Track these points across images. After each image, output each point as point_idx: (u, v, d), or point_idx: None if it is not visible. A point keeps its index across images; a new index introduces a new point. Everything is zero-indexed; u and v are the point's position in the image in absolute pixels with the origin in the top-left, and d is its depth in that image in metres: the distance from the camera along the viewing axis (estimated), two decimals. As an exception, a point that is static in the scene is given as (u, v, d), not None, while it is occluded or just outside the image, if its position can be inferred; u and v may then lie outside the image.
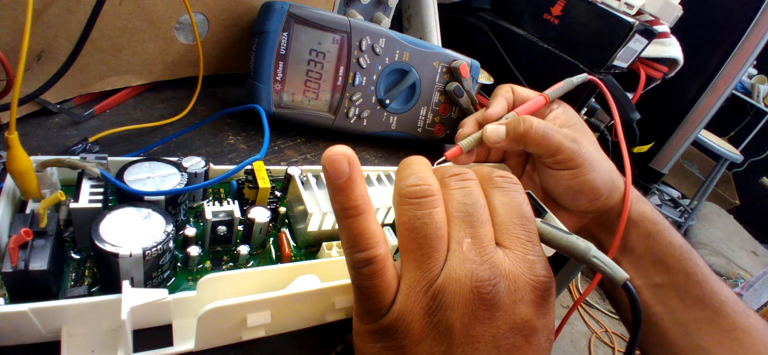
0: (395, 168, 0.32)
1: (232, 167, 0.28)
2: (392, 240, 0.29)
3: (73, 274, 0.23)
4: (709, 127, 1.86)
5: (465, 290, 0.18)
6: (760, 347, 0.30)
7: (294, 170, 0.32)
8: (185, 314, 0.23)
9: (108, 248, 0.21)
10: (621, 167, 0.36)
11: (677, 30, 0.67)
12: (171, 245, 0.23)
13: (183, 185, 0.26)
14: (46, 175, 0.25)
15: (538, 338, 0.19)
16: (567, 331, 1.76)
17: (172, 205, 0.26)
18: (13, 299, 0.20)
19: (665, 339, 0.33)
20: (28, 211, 0.24)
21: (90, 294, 0.22)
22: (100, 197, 0.24)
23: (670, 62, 0.71)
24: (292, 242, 0.30)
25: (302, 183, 0.30)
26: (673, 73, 0.73)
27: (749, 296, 1.33)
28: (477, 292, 0.18)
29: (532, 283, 0.19)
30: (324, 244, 0.29)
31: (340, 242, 0.29)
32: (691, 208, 2.29)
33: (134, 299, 0.20)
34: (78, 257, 0.24)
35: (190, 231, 0.26)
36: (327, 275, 0.26)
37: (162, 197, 0.25)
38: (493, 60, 0.63)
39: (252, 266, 0.28)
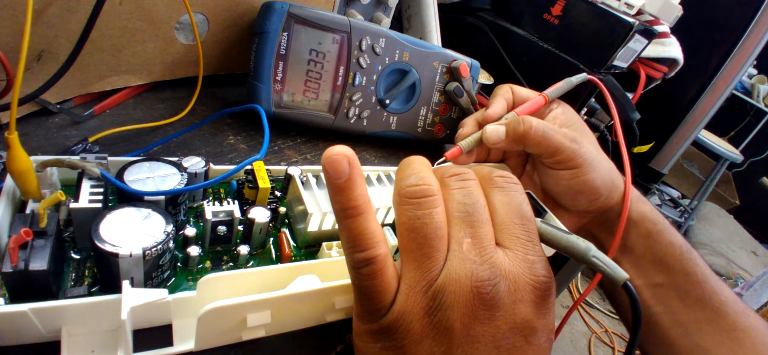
0: (395, 168, 0.32)
1: (232, 167, 0.28)
2: (392, 240, 0.29)
3: (73, 274, 0.23)
4: (709, 127, 1.86)
5: (465, 290, 0.18)
6: (760, 347, 0.30)
7: (294, 170, 0.32)
8: (185, 314, 0.23)
9: (108, 248, 0.21)
10: (621, 167, 0.36)
11: (677, 30, 0.67)
12: (171, 245, 0.23)
13: (183, 185, 0.26)
14: (46, 175, 0.25)
15: (538, 338, 0.19)
16: (567, 331, 1.76)
17: (172, 205, 0.26)
18: (13, 299, 0.20)
19: (665, 339, 0.33)
20: (28, 211, 0.24)
21: (90, 294, 0.22)
22: (100, 197, 0.24)
23: (670, 62, 0.71)
24: (292, 242, 0.30)
25: (302, 183, 0.30)
26: (673, 73, 0.73)
27: (749, 296, 1.33)
28: (477, 292, 0.18)
29: (532, 283, 0.19)
30: (324, 244, 0.29)
31: (340, 242, 0.29)
32: (691, 208, 2.29)
33: (134, 299, 0.20)
34: (78, 257, 0.24)
35: (190, 231, 0.26)
36: (327, 275, 0.26)
37: (162, 197, 0.25)
38: (493, 60, 0.63)
39: (252, 266, 0.28)
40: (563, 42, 0.59)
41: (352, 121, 0.43)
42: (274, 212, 0.30)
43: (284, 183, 0.33)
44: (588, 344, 1.74)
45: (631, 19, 0.53)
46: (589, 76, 0.40)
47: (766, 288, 1.33)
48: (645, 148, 1.30)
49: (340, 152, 0.18)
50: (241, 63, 0.46)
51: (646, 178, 1.38)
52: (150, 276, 0.23)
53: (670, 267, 0.33)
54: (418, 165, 0.21)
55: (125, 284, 0.20)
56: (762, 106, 2.51)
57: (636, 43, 0.56)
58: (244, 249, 0.27)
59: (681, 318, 0.33)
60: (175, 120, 0.37)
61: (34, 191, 0.24)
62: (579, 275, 1.91)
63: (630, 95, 0.68)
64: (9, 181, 0.24)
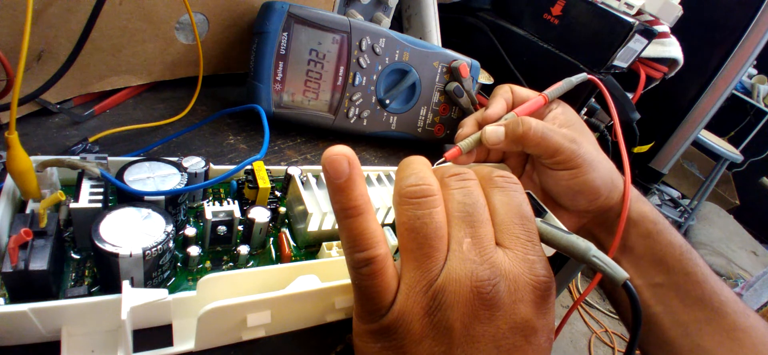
0: (395, 168, 0.32)
1: (232, 167, 0.28)
2: (392, 240, 0.29)
3: (73, 274, 0.23)
4: (709, 127, 1.86)
5: (465, 290, 0.18)
6: (760, 347, 0.30)
7: (294, 170, 0.32)
8: (185, 314, 0.23)
9: (108, 248, 0.21)
10: (621, 167, 0.36)
11: (677, 30, 0.67)
12: (171, 245, 0.23)
13: (183, 185, 0.26)
14: (46, 175, 0.25)
15: (538, 338, 0.19)
16: (567, 331, 1.76)
17: (172, 205, 0.26)
18: (13, 299, 0.20)
19: (665, 339, 0.33)
20: (28, 211, 0.24)
21: (90, 294, 0.22)
22: (100, 197, 0.24)
23: (670, 62, 0.71)
24: (292, 242, 0.30)
25: (302, 183, 0.30)
26: (673, 73, 0.73)
27: (749, 296, 1.33)
28: (477, 292, 0.18)
29: (532, 283, 0.19)
30: (324, 244, 0.29)
31: (340, 242, 0.29)
32: (691, 208, 2.29)
33: (134, 299, 0.20)
34: (78, 257, 0.24)
35: (190, 231, 0.26)
36: (327, 275, 0.26)
37: (162, 197, 0.25)
38: (493, 60, 0.63)
39: (252, 266, 0.28)
40: (563, 42, 0.59)
41: (352, 121, 0.43)
42: (274, 212, 0.30)
43: (284, 183, 0.33)
44: (588, 344, 1.74)
45: (631, 19, 0.53)
46: (589, 76, 0.40)
47: (766, 288, 1.33)
48: (645, 148, 1.30)
49: (340, 152, 0.18)
50: (241, 63, 0.46)
51: (646, 178, 1.38)
52: (150, 276, 0.23)
53: (670, 267, 0.33)
54: (418, 165, 0.21)
55: (125, 284, 0.20)
56: (762, 106, 2.51)
57: (636, 43, 0.56)
58: (244, 249, 0.27)
59: (681, 318, 0.33)
60: (175, 120, 0.37)
61: (34, 191, 0.24)
62: (579, 275, 1.91)
63: (630, 95, 0.68)
64: (9, 181, 0.24)
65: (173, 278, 0.25)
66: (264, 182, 0.29)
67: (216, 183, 0.28)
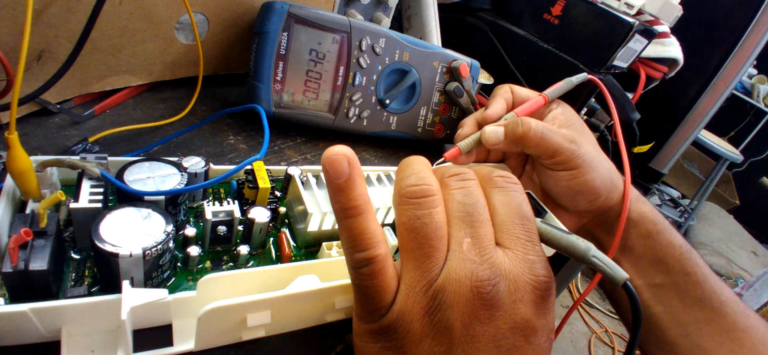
0: (395, 168, 0.32)
1: (232, 167, 0.28)
2: (392, 240, 0.29)
3: (73, 274, 0.23)
4: (709, 127, 1.86)
5: (465, 290, 0.18)
6: (760, 347, 0.30)
7: (294, 170, 0.32)
8: (185, 314, 0.23)
9: (108, 248, 0.21)
10: (621, 167, 0.36)
11: (677, 30, 0.67)
12: (171, 245, 0.23)
13: (183, 185, 0.26)
14: (46, 175, 0.25)
15: (538, 338, 0.19)
16: (567, 331, 1.76)
17: (172, 205, 0.26)
18: (13, 299, 0.20)
19: (665, 339, 0.33)
20: (28, 211, 0.24)
21: (90, 294, 0.22)
22: (100, 197, 0.24)
23: (670, 62, 0.71)
24: (292, 242, 0.30)
25: (302, 183, 0.30)
26: (673, 73, 0.73)
27: (749, 296, 1.33)
28: (477, 292, 0.18)
29: (532, 283, 0.19)
30: (324, 244, 0.29)
31: (340, 242, 0.29)
32: (691, 208, 2.29)
33: (134, 299, 0.20)
34: (78, 257, 0.24)
35: (190, 231, 0.26)
36: (327, 275, 0.26)
37: (162, 197, 0.25)
38: (493, 60, 0.63)
39: (252, 266, 0.28)
40: (563, 42, 0.59)
41: (352, 121, 0.43)
42: (274, 212, 0.30)
43: (284, 183, 0.33)
44: (588, 344, 1.74)
45: (631, 19, 0.53)
46: (589, 76, 0.40)
47: (766, 288, 1.33)
48: (645, 148, 1.30)
49: (340, 152, 0.18)
50: (241, 63, 0.46)
51: (646, 178, 1.38)
52: (150, 276, 0.23)
53: (670, 267, 0.33)
54: (418, 165, 0.21)
55: (125, 284, 0.20)
56: (762, 106, 2.51)
57: (636, 43, 0.56)
58: (244, 249, 0.27)
59: (681, 318, 0.33)
60: (175, 120, 0.37)
61: (34, 191, 0.24)
62: (579, 275, 1.91)
63: (630, 95, 0.68)
64: (9, 181, 0.24)
65: (173, 278, 0.25)
66: (264, 182, 0.29)
67: (216, 183, 0.28)
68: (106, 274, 0.22)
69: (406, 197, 0.20)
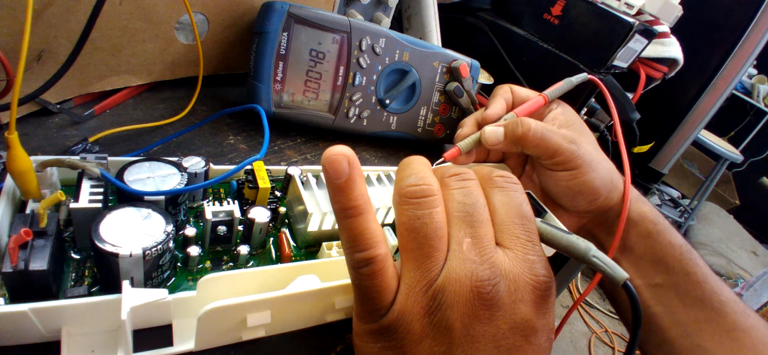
0: (395, 168, 0.32)
1: (232, 167, 0.28)
2: (392, 240, 0.29)
3: (73, 274, 0.23)
4: (709, 127, 1.86)
5: (465, 290, 0.18)
6: (760, 347, 0.30)
7: (294, 170, 0.32)
8: (185, 314, 0.23)
9: (108, 248, 0.21)
10: (621, 167, 0.36)
11: (677, 30, 0.67)
12: (171, 245, 0.23)
13: (183, 185, 0.26)
14: (46, 175, 0.25)
15: (538, 338, 0.19)
16: (567, 331, 1.76)
17: (172, 205, 0.26)
18: (13, 299, 0.20)
19: (665, 339, 0.33)
20: (28, 211, 0.24)
21: (90, 294, 0.22)
22: (100, 197, 0.24)
23: (670, 62, 0.71)
24: (292, 242, 0.30)
25: (302, 183, 0.30)
26: (673, 73, 0.73)
27: (749, 296, 1.33)
28: (477, 292, 0.18)
29: (532, 283, 0.19)
30: (324, 244, 0.29)
31: (340, 242, 0.29)
32: (691, 208, 2.29)
33: (134, 299, 0.20)
34: (78, 257, 0.24)
35: (190, 231, 0.26)
36: (327, 275, 0.26)
37: (162, 197, 0.25)
38: (493, 60, 0.63)
39: (252, 266, 0.28)
40: (563, 42, 0.59)
41: (352, 121, 0.43)
42: (274, 212, 0.30)
43: (284, 183, 0.33)
44: (588, 344, 1.74)
45: (631, 19, 0.53)
46: (589, 76, 0.40)
47: (766, 288, 1.33)
48: (645, 148, 1.30)
49: (340, 152, 0.18)
50: (241, 63, 0.46)
51: (646, 178, 1.38)
52: (150, 276, 0.23)
53: (670, 267, 0.33)
54: (418, 165, 0.21)
55: (125, 284, 0.20)
56: (762, 106, 2.51)
57: (636, 43, 0.56)
58: (244, 249, 0.27)
59: (681, 318, 0.33)
60: (175, 120, 0.37)
61: (34, 191, 0.24)
62: (579, 275, 1.91)
63: (630, 95, 0.68)
64: (9, 181, 0.24)
65: (173, 278, 0.25)
66: (264, 182, 0.29)
67: (216, 183, 0.28)
68: (106, 274, 0.22)
69: (406, 197, 0.20)
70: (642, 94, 0.70)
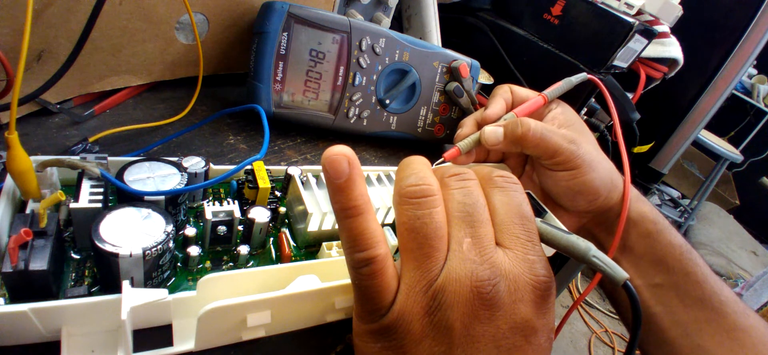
0: (395, 168, 0.32)
1: (232, 167, 0.28)
2: (392, 240, 0.29)
3: (73, 274, 0.23)
4: (709, 127, 1.86)
5: (465, 290, 0.18)
6: (760, 347, 0.30)
7: (294, 170, 0.32)
8: (185, 314, 0.23)
9: (108, 248, 0.21)
10: (621, 167, 0.36)
11: (677, 30, 0.67)
12: (171, 245, 0.23)
13: (183, 185, 0.26)
14: (46, 175, 0.25)
15: (538, 338, 0.19)
16: (567, 331, 1.76)
17: (172, 205, 0.26)
18: (13, 299, 0.20)
19: (665, 339, 0.33)
20: (28, 211, 0.24)
21: (90, 294, 0.22)
22: (100, 197, 0.24)
23: (670, 62, 0.71)
24: (292, 242, 0.30)
25: (302, 183, 0.30)
26: (673, 73, 0.73)
27: (749, 296, 1.33)
28: (477, 292, 0.18)
29: (532, 283, 0.19)
30: (324, 244, 0.29)
31: (340, 242, 0.29)
32: (691, 208, 2.29)
33: (134, 299, 0.20)
34: (78, 257, 0.24)
35: (190, 231, 0.26)
36: (327, 275, 0.26)
37: (162, 197, 0.25)
38: (493, 60, 0.63)
39: (252, 266, 0.28)
40: (563, 42, 0.59)
41: (352, 121, 0.43)
42: (274, 212, 0.30)
43: (284, 183, 0.33)
44: (588, 344, 1.74)
45: (631, 19, 0.53)
46: (589, 76, 0.40)
47: (766, 288, 1.33)
48: (645, 148, 1.30)
49: (340, 152, 0.18)
50: (241, 63, 0.46)
51: (646, 178, 1.38)
52: (150, 276, 0.23)
53: (670, 267, 0.33)
54: (418, 165, 0.21)
55: (125, 284, 0.20)
56: (762, 106, 2.51)
57: (636, 43, 0.56)
58: (244, 249, 0.27)
59: (681, 318, 0.33)
60: (175, 120, 0.37)
61: (34, 191, 0.24)
62: (579, 275, 1.91)
63: (630, 95, 0.68)
64: (9, 181, 0.24)
65: (173, 278, 0.25)
66: (264, 182, 0.29)
67: (216, 183, 0.28)
68: (106, 274, 0.22)
69: (406, 197, 0.20)
70: (642, 94, 0.70)
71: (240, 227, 0.28)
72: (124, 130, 0.34)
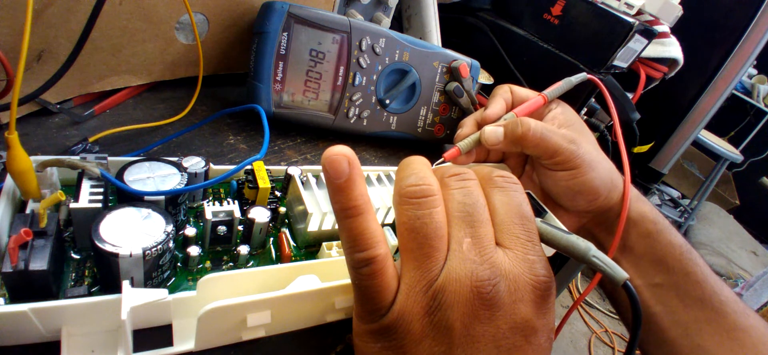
0: (395, 168, 0.32)
1: (232, 167, 0.28)
2: (392, 240, 0.29)
3: (73, 274, 0.23)
4: (709, 127, 1.86)
5: (465, 290, 0.18)
6: (760, 347, 0.30)
7: (294, 170, 0.32)
8: (185, 314, 0.23)
9: (108, 248, 0.21)
10: (621, 167, 0.36)
11: (677, 30, 0.67)
12: (171, 245, 0.23)
13: (183, 185, 0.26)
14: (46, 175, 0.25)
15: (538, 338, 0.19)
16: (567, 331, 1.76)
17: (172, 205, 0.26)
18: (13, 299, 0.20)
19: (665, 339, 0.33)
20: (28, 211, 0.24)
21: (90, 294, 0.22)
22: (100, 197, 0.24)
23: (670, 62, 0.71)
24: (292, 242, 0.30)
25: (302, 183, 0.30)
26: (673, 73, 0.73)
27: (749, 296, 1.33)
28: (477, 292, 0.18)
29: (532, 283, 0.19)
30: (324, 244, 0.29)
31: (340, 242, 0.29)
32: (691, 208, 2.29)
33: (134, 299, 0.20)
34: (78, 257, 0.24)
35: (190, 231, 0.26)
36: (327, 275, 0.26)
37: (162, 197, 0.25)
38: (493, 60, 0.63)
39: (252, 266, 0.28)
40: (563, 42, 0.59)
41: (352, 121, 0.43)
42: (274, 212, 0.30)
43: (284, 183, 0.33)
44: (588, 344, 1.74)
45: (631, 19, 0.53)
46: (589, 76, 0.40)
47: (766, 288, 1.33)
48: (645, 148, 1.30)
49: (340, 152, 0.18)
50: (241, 63, 0.46)
51: (646, 178, 1.38)
52: (150, 276, 0.23)
53: (670, 267, 0.33)
54: (418, 165, 0.21)
55: (125, 284, 0.20)
56: (762, 106, 2.51)
57: (636, 43, 0.56)
58: (244, 249, 0.27)
59: (681, 318, 0.33)
60: (175, 120, 0.37)
61: (34, 191, 0.24)
62: (579, 275, 1.91)
63: (630, 95, 0.68)
64: (9, 181, 0.24)
65: (173, 278, 0.25)
66: (264, 182, 0.29)
67: (216, 183, 0.28)
68: (106, 274, 0.22)
69: (406, 197, 0.20)
70: (642, 94, 0.70)
71: (240, 227, 0.28)
72: (124, 130, 0.34)
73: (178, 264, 0.26)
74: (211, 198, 0.31)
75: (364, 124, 0.44)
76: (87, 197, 0.24)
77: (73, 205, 0.23)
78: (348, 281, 0.24)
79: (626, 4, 0.58)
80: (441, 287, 0.18)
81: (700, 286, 0.32)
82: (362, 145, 0.46)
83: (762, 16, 1.13)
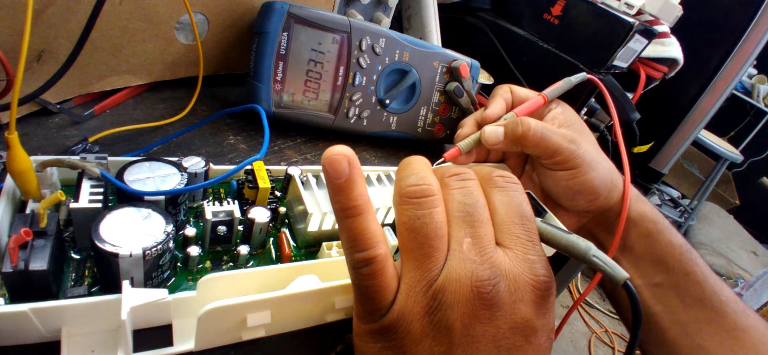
0: (395, 168, 0.32)
1: (232, 167, 0.28)
2: (392, 240, 0.29)
3: (73, 274, 0.23)
4: (709, 127, 1.86)
5: (465, 290, 0.18)
6: (760, 346, 0.30)
7: (294, 170, 0.32)
8: (185, 314, 0.23)
9: (108, 248, 0.21)
10: (621, 167, 0.36)
11: (677, 30, 0.67)
12: (171, 245, 0.23)
13: (183, 185, 0.26)
14: (46, 175, 0.25)
15: (538, 338, 0.19)
16: (567, 331, 1.76)
17: (172, 205, 0.26)
18: (13, 299, 0.20)
19: (665, 339, 0.33)
20: (28, 211, 0.24)
21: (90, 294, 0.22)
22: (100, 197, 0.24)
23: (670, 62, 0.71)
24: (292, 242, 0.30)
25: (302, 183, 0.30)
26: (673, 73, 0.73)
27: (749, 296, 1.33)
28: (477, 291, 0.18)
29: (532, 282, 0.19)
30: (324, 244, 0.29)
31: (340, 242, 0.29)
32: (691, 208, 2.29)
33: (134, 299, 0.20)
34: (78, 257, 0.24)
35: (190, 231, 0.26)
36: (327, 275, 0.26)
37: (162, 197, 0.25)
38: (493, 60, 0.63)
39: (252, 266, 0.28)
40: (563, 42, 0.59)
41: (352, 121, 0.43)
42: (274, 212, 0.30)
43: (284, 183, 0.33)
44: (588, 344, 1.74)
45: (631, 19, 0.53)
46: (589, 76, 0.40)
47: (766, 288, 1.33)
48: (645, 148, 1.30)
49: (340, 152, 0.18)
50: (241, 63, 0.46)
51: (646, 178, 1.38)
52: (150, 276, 0.23)
53: (670, 267, 0.33)
54: (418, 165, 0.21)
55: (125, 284, 0.20)
56: (762, 106, 2.51)
57: (636, 43, 0.56)
58: (244, 249, 0.27)
59: (681, 318, 0.33)
60: (175, 120, 0.37)
61: (34, 191, 0.24)
62: (579, 275, 1.91)
63: (630, 95, 0.68)
64: (9, 181, 0.24)
65: (173, 278, 0.25)
66: (264, 182, 0.29)
67: (216, 183, 0.28)
68: (106, 274, 0.22)
69: (406, 197, 0.20)
70: (642, 94, 0.70)
71: (240, 227, 0.28)
72: (124, 130, 0.34)
73: (178, 264, 0.26)
74: (211, 198, 0.31)
75: (364, 124, 0.44)
76: (87, 197, 0.24)
77: (73, 205, 0.23)
78: (348, 281, 0.24)
79: (626, 4, 0.58)
80: (441, 287, 0.18)
81: (700, 286, 0.32)
82: (362, 145, 0.46)
83: (762, 16, 1.13)
